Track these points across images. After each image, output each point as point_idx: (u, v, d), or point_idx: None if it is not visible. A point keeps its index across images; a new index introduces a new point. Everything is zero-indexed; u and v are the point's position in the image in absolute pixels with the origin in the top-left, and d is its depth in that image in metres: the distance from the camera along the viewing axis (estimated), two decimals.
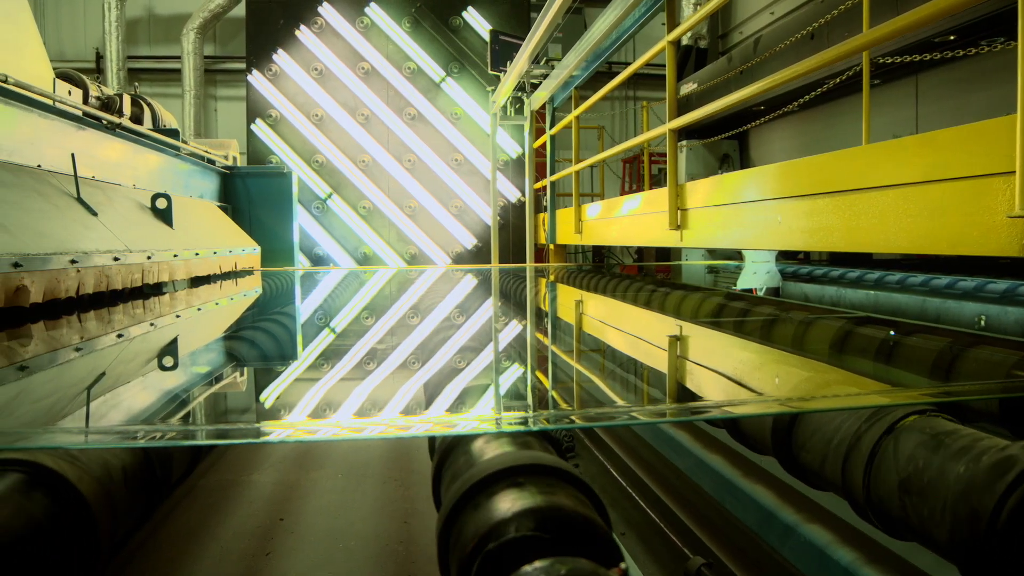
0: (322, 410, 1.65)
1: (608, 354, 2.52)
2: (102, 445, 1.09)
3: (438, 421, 1.27)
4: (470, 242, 8.76)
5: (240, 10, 10.46)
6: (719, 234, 3.89)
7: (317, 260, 8.69)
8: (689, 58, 9.20)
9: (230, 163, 7.25)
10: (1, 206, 3.13)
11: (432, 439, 1.42)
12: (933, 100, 5.75)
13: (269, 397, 1.75)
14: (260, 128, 8.68)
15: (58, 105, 4.16)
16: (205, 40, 10.80)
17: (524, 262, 8.14)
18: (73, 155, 4.05)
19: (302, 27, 8.67)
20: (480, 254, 8.73)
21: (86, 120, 4.46)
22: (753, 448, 1.72)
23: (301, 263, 7.92)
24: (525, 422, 1.12)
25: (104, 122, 4.68)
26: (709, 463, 2.05)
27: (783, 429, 1.52)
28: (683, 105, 8.97)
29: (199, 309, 3.96)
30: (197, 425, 1.38)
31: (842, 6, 4.95)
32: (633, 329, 3.10)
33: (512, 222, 8.62)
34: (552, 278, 5.79)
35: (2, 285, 2.83)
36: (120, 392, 1.79)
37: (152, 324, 3.23)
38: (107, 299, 3.79)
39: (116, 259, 3.78)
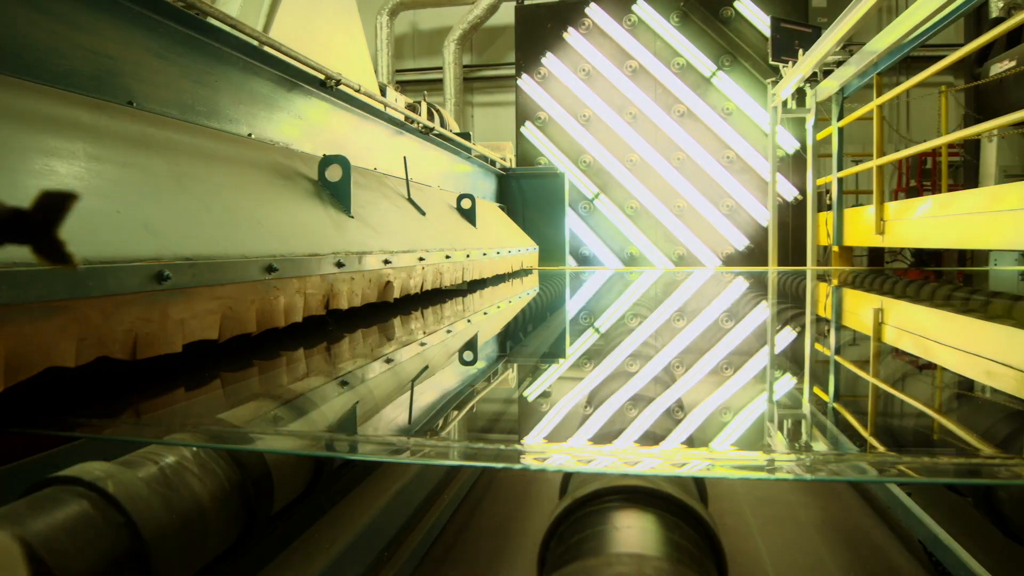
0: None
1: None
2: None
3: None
4: (742, 243, 8.31)
5: (495, 20, 10.84)
6: None
7: (583, 260, 8.71)
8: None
9: (506, 164, 7.45)
10: (365, 207, 3.32)
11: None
12: None
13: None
14: (529, 130, 8.88)
15: (388, 111, 4.40)
16: (463, 50, 11.29)
17: (801, 264, 7.56)
18: (405, 158, 4.27)
19: (570, 29, 8.73)
20: (752, 256, 8.25)
21: (405, 125, 4.71)
22: None
23: (569, 263, 7.96)
24: None
25: (419, 127, 4.92)
26: None
27: None
28: (993, 89, 7.89)
29: (495, 305, 3.99)
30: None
31: None
32: None
33: (788, 222, 8.03)
34: (841, 282, 5.24)
35: (376, 280, 2.98)
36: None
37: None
38: (432, 296, 3.94)
39: (447, 256, 3.91)
